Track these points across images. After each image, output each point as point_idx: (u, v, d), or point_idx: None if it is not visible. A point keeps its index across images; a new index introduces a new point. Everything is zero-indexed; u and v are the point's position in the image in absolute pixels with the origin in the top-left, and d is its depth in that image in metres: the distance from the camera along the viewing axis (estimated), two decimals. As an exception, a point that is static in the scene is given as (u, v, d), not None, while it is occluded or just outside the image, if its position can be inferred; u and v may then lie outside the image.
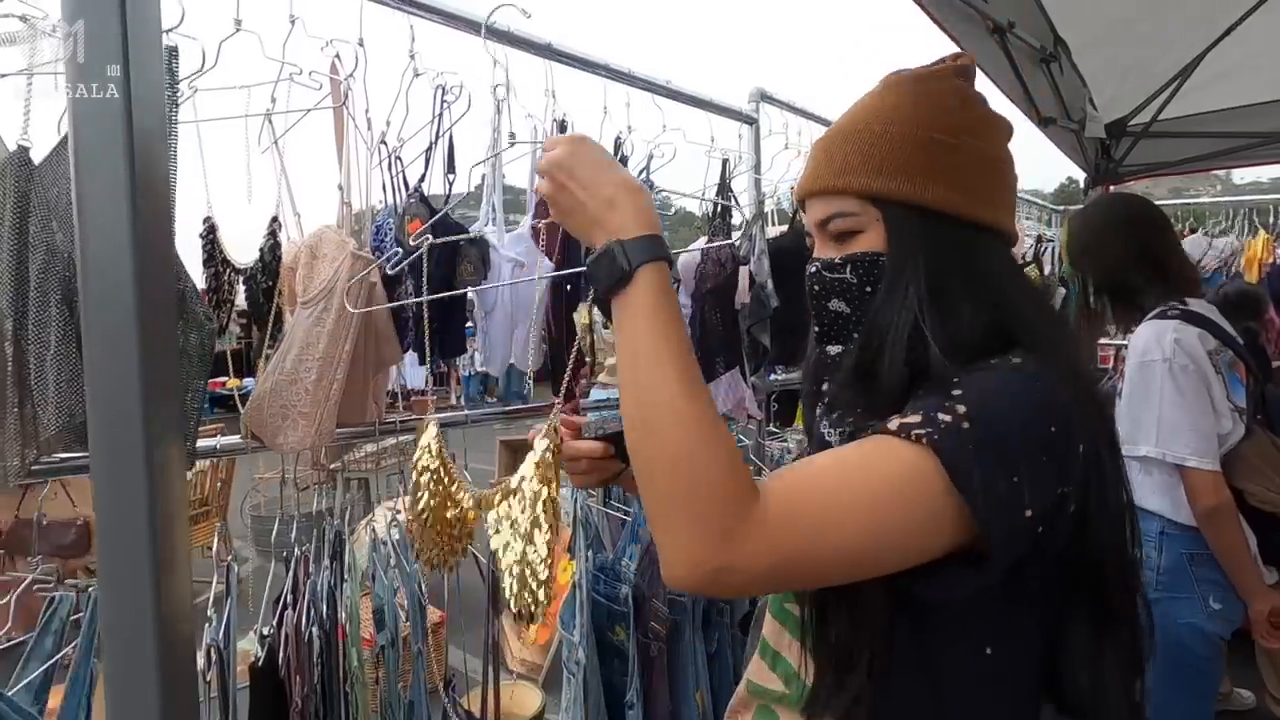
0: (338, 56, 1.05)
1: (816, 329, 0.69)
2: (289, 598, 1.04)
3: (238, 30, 1.01)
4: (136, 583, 0.57)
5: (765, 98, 1.96)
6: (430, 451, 0.90)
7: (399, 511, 2.58)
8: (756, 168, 1.88)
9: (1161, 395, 1.33)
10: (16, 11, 0.86)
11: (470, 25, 1.27)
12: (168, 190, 0.63)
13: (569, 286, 1.36)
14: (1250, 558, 1.33)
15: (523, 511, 0.72)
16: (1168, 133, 2.80)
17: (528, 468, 0.73)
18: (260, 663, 1.02)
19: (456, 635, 1.71)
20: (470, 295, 1.19)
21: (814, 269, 0.66)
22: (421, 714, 1.17)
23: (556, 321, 1.38)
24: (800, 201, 0.69)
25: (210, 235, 1.07)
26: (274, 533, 1.35)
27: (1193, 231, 3.68)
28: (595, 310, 1.82)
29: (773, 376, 1.98)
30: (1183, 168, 3.20)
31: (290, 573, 1.07)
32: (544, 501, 0.71)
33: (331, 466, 4.77)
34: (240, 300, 1.10)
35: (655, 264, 0.56)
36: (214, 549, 4.46)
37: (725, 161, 1.67)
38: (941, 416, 0.52)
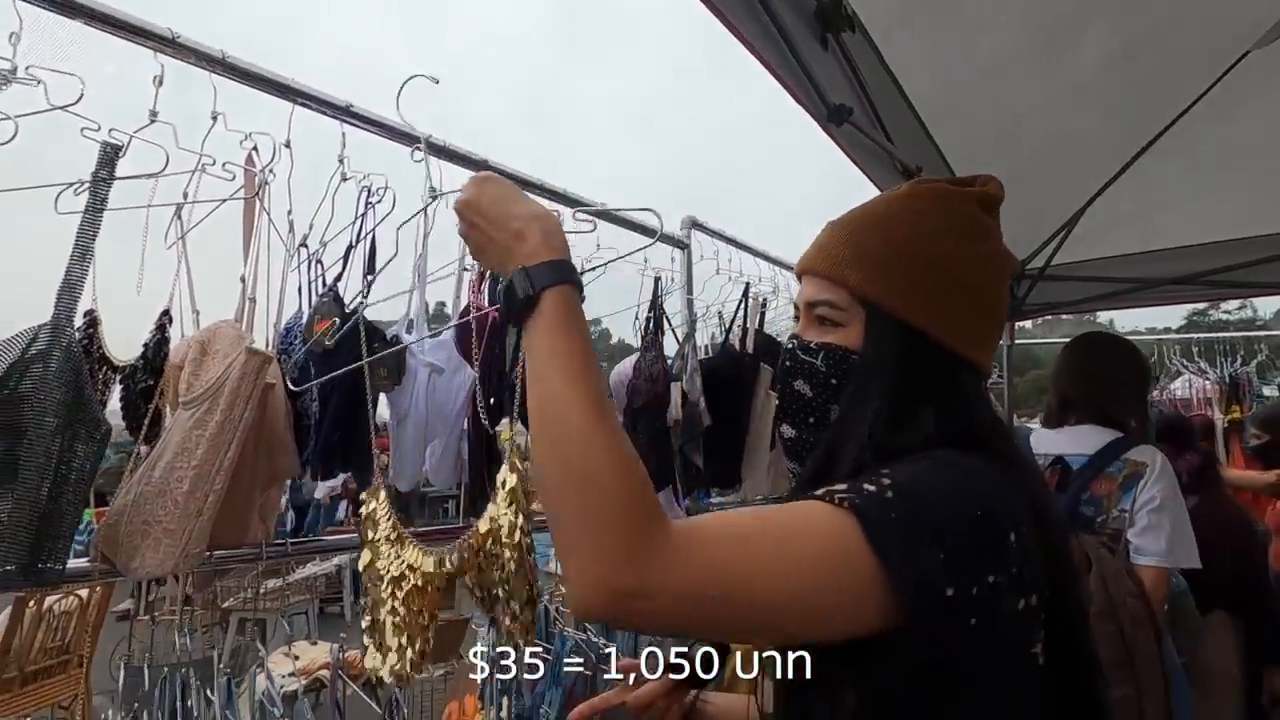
0: (255, 149, 1.02)
1: (778, 403, 0.70)
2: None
3: (153, 121, 0.98)
4: None
5: (696, 225, 2.05)
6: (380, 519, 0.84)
7: (296, 658, 2.27)
8: (689, 289, 1.92)
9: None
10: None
11: (407, 138, 1.28)
12: None
13: (492, 400, 1.29)
14: None
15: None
16: (1060, 276, 3.07)
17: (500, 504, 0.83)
18: None
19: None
20: (381, 403, 1.10)
21: (790, 345, 0.67)
22: None
23: (477, 435, 1.29)
24: (798, 274, 0.70)
25: (89, 329, 0.97)
26: (143, 684, 1.15)
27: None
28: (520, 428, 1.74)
29: (707, 499, 1.91)
30: (1075, 309, 3.49)
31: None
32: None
33: (225, 605, 4.26)
34: (114, 402, 0.98)
35: (559, 287, 0.55)
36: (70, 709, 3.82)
37: (657, 280, 1.70)
38: (867, 486, 0.53)
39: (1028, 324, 4.10)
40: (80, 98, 0.84)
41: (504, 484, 0.84)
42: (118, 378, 0.99)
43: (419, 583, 0.88)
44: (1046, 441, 1.72)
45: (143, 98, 0.99)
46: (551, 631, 1.46)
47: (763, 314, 2.09)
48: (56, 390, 0.83)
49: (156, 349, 0.98)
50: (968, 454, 0.57)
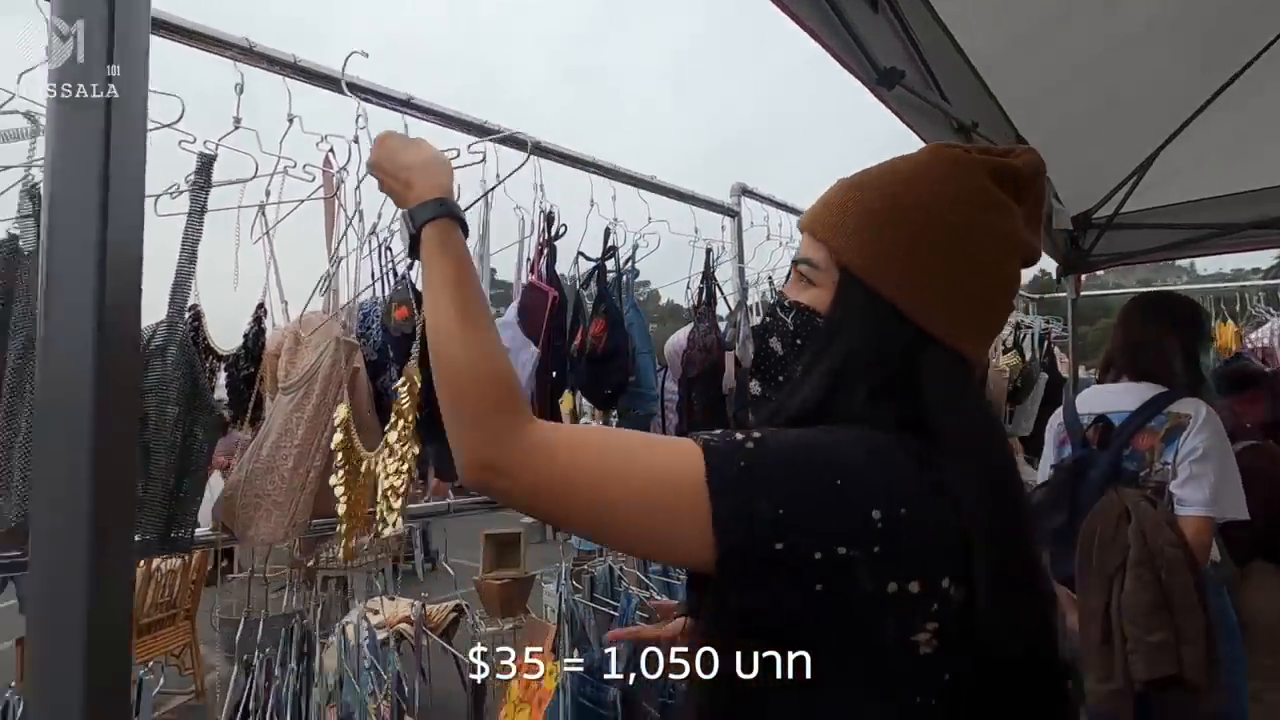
0: (332, 150, 1.09)
1: (753, 358, 0.72)
2: (250, 704, 0.96)
3: (237, 128, 1.05)
4: (68, 688, 0.51)
5: (746, 192, 2.05)
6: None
7: (376, 613, 2.45)
8: (739, 257, 1.94)
9: None
10: (21, 109, 0.89)
11: (464, 125, 1.34)
12: (138, 278, 0.60)
13: (554, 374, 1.35)
14: None
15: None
16: (1130, 225, 2.94)
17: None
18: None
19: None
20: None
21: (771, 301, 0.71)
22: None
23: (540, 408, 1.37)
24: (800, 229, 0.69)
25: (195, 323, 1.07)
26: (237, 635, 1.27)
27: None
28: (582, 400, 1.81)
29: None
30: (1147, 258, 3.33)
31: (251, 678, 1.00)
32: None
33: (309, 564, 4.57)
34: (220, 388, 1.09)
35: (436, 221, 0.65)
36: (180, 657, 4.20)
37: (709, 251, 1.72)
38: (737, 434, 0.55)
39: (1100, 272, 3.92)
40: (181, 116, 0.91)
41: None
42: (222, 366, 1.09)
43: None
44: (1091, 401, 1.74)
45: (202, 102, 1.07)
46: (617, 590, 1.56)
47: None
48: (175, 381, 0.93)
49: (255, 339, 1.08)
50: (889, 435, 0.56)
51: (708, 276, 1.68)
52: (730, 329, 1.79)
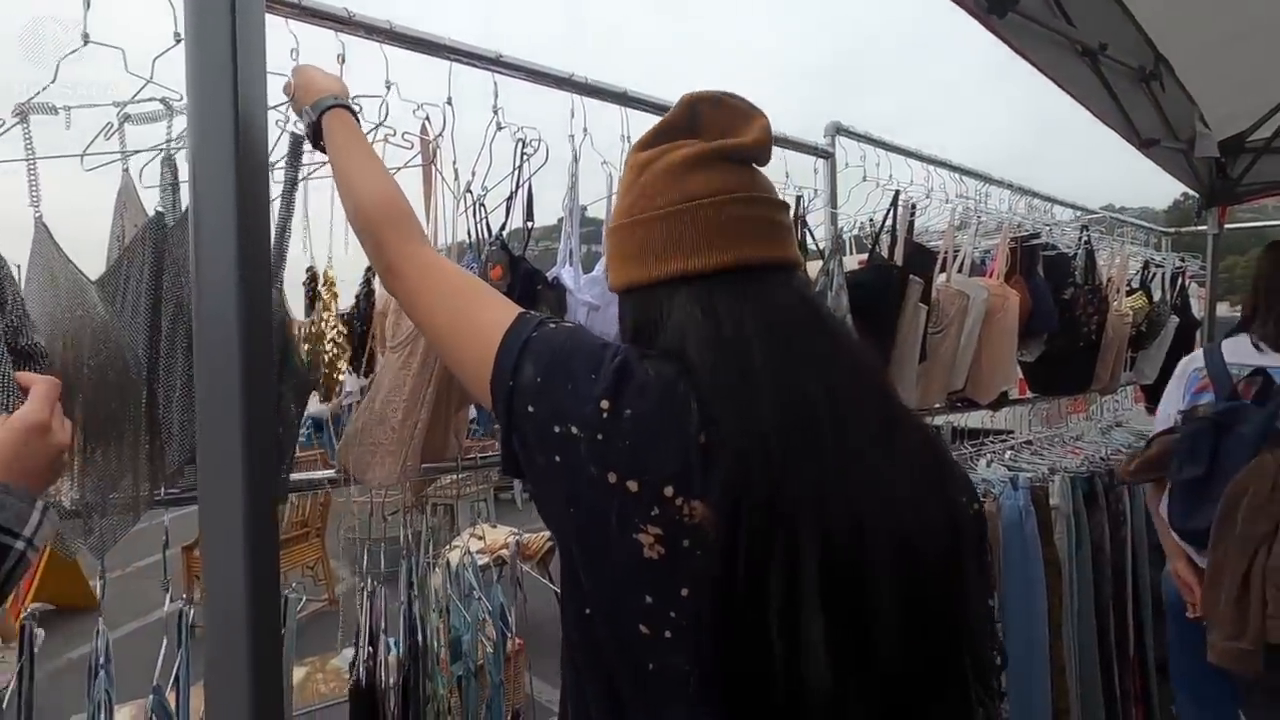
0: (428, 119, 1.13)
1: None
2: (381, 624, 1.09)
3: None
4: (233, 595, 0.61)
5: (841, 131, 1.95)
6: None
7: (480, 539, 2.64)
8: (832, 201, 1.86)
9: None
10: (158, 95, 0.98)
11: (552, 80, 1.34)
12: (267, 248, 0.70)
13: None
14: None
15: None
16: (1294, 148, 2.57)
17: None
18: (358, 685, 1.08)
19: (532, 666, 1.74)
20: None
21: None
22: (498, 746, 1.20)
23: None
24: None
25: (312, 284, 1.17)
26: (364, 558, 1.42)
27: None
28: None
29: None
30: (1314, 185, 2.92)
31: (371, 599, 1.12)
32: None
33: (425, 490, 4.99)
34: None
35: (334, 109, 0.87)
36: (314, 568, 4.71)
37: (799, 198, 1.67)
38: (549, 319, 0.69)
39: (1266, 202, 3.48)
40: (286, 102, 0.97)
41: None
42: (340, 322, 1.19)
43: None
44: (1243, 352, 1.62)
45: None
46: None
47: (912, 221, 1.99)
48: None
49: (366, 299, 1.16)
50: (649, 355, 0.62)
51: (799, 222, 1.63)
52: (822, 277, 1.74)
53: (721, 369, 0.59)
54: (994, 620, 0.73)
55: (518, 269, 1.15)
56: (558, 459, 0.60)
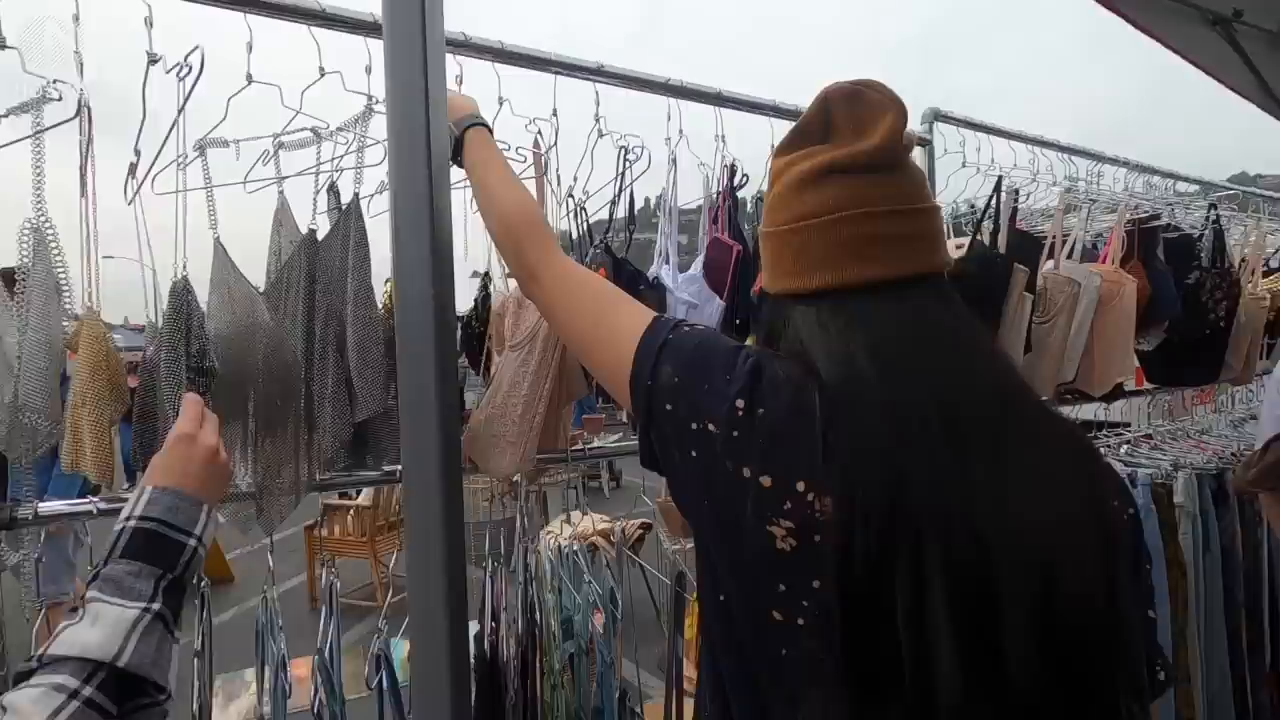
0: (539, 133, 1.21)
1: None
2: (500, 602, 1.19)
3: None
4: (433, 572, 0.70)
5: (940, 117, 1.90)
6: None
7: (575, 524, 2.78)
8: (932, 190, 1.82)
9: None
10: (307, 125, 1.10)
11: (650, 85, 1.39)
12: (451, 252, 0.86)
13: (737, 321, 1.41)
14: None
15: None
16: None
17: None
18: (483, 657, 1.18)
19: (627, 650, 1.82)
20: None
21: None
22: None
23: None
24: None
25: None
26: (486, 541, 1.52)
27: None
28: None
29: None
30: None
31: (491, 578, 1.22)
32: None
33: (531, 486, 5.22)
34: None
35: (473, 127, 0.95)
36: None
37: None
38: (683, 321, 0.73)
39: None
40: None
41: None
42: (459, 325, 1.29)
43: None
44: None
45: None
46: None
47: (1015, 208, 1.91)
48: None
49: (484, 302, 1.25)
50: (781, 359, 0.66)
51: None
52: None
53: (837, 380, 0.61)
54: (1153, 632, 0.69)
55: (622, 271, 1.21)
56: (694, 454, 0.64)
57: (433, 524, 0.65)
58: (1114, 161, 2.30)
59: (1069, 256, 2.05)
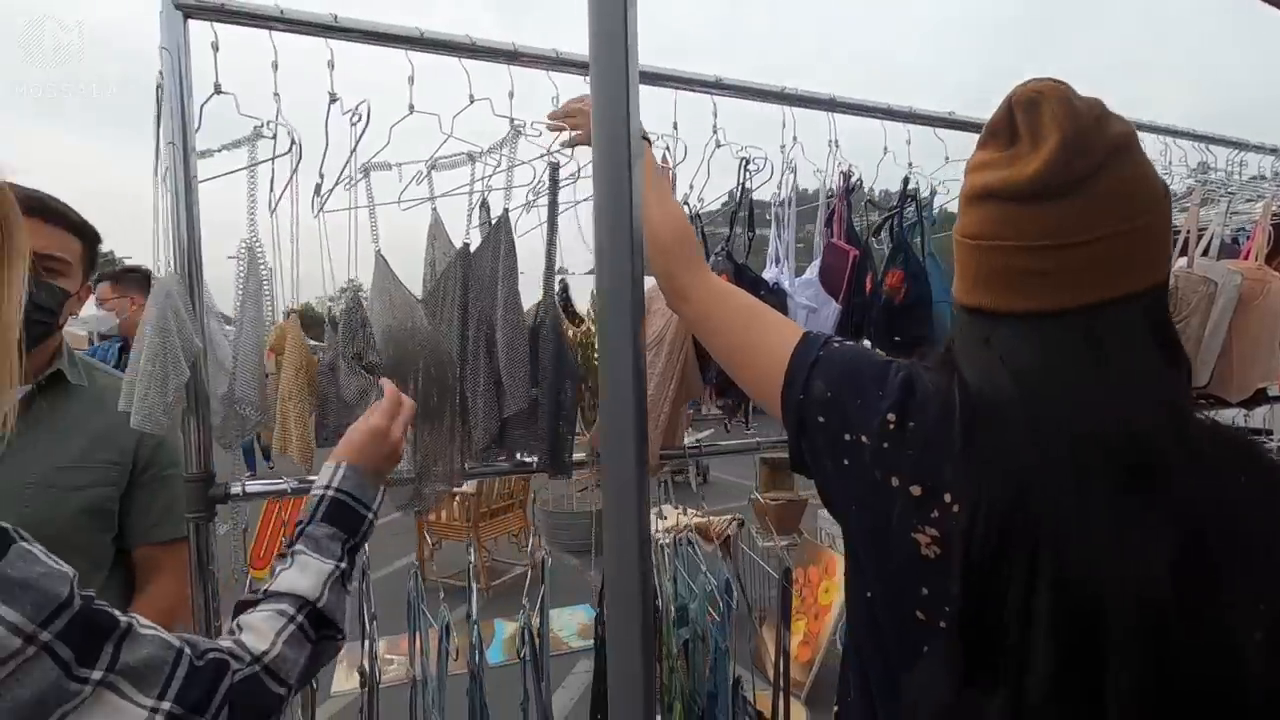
0: (668, 148, 1.28)
1: None
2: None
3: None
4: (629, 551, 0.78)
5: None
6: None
7: (664, 517, 2.85)
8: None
9: None
10: (458, 148, 1.21)
11: (763, 95, 1.44)
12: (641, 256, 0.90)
13: (853, 325, 1.44)
14: None
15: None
16: None
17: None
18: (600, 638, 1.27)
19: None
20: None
21: None
22: (724, 704, 1.34)
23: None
24: None
25: (564, 293, 1.37)
26: (568, 529, 1.61)
27: None
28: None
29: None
30: None
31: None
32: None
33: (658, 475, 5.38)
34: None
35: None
36: (518, 538, 5.23)
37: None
38: (834, 337, 0.77)
39: None
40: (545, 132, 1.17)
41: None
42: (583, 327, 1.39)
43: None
44: None
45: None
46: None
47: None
48: (550, 347, 1.21)
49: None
50: (930, 371, 0.69)
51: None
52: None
53: (980, 395, 0.63)
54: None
55: (744, 276, 1.26)
56: (846, 463, 0.68)
57: (627, 509, 0.72)
58: (1258, 149, 2.14)
59: (1204, 254, 1.93)
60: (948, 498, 0.62)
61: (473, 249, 1.18)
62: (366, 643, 1.22)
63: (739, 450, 1.47)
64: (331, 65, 1.11)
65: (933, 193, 1.51)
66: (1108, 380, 0.61)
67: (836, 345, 0.75)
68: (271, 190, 1.10)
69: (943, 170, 1.60)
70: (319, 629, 0.74)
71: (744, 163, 1.34)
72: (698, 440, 1.55)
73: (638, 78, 0.82)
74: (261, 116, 1.04)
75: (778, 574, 1.53)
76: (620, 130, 0.75)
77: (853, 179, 1.46)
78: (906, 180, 1.48)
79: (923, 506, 0.62)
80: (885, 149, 1.58)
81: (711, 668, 1.42)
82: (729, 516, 4.32)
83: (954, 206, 1.77)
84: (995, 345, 0.64)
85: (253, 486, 1.07)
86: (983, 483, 0.60)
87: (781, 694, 1.50)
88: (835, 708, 0.79)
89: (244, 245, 1.02)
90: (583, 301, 1.44)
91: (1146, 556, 0.55)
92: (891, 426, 0.65)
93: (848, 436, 0.68)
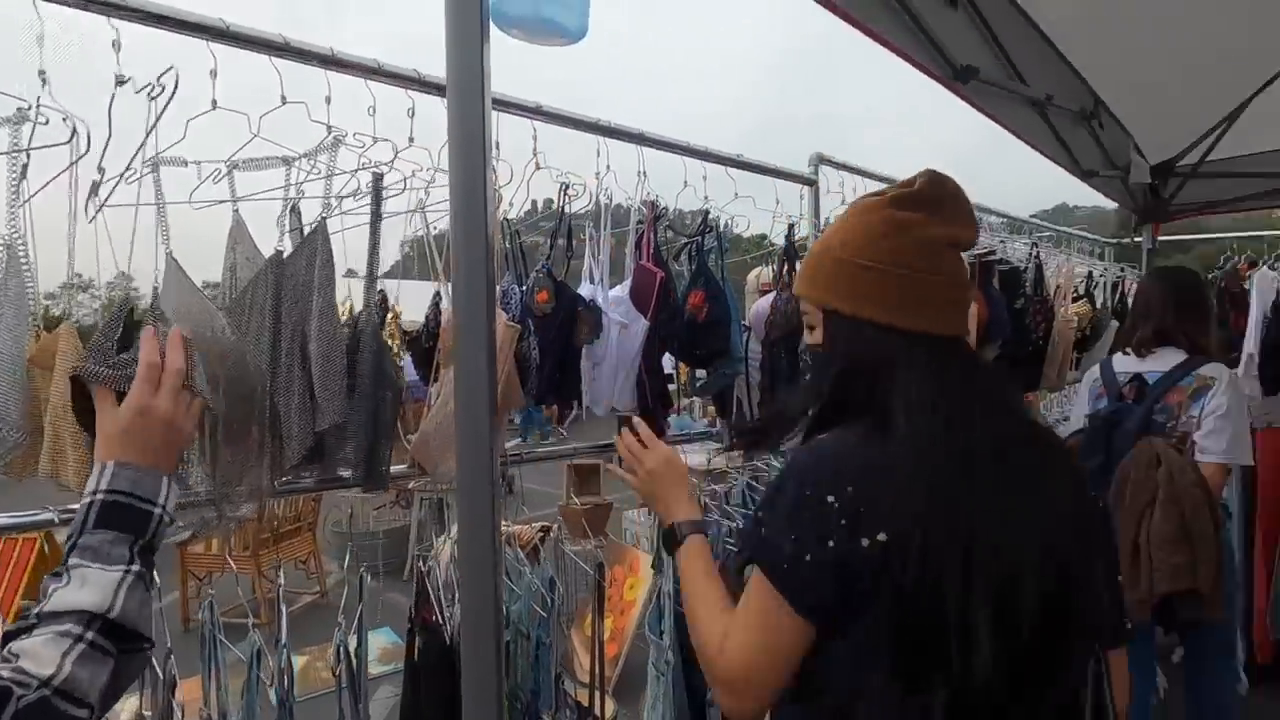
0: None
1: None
2: (458, 594, 1.29)
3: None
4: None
5: (823, 160, 2.19)
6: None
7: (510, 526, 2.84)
8: (816, 225, 2.10)
9: None
10: (263, 150, 1.15)
11: (578, 124, 1.55)
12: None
13: (659, 340, 1.59)
14: None
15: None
16: (1217, 173, 2.90)
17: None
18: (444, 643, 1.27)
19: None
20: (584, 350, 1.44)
21: (802, 348, 0.93)
22: (548, 698, 1.40)
23: (646, 367, 1.62)
24: None
25: (383, 307, 1.35)
26: (366, 549, 1.60)
27: (1251, 265, 3.64)
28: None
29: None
30: (1235, 207, 3.26)
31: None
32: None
33: (410, 486, 5.10)
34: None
35: (695, 534, 0.97)
36: (307, 562, 4.78)
37: (791, 226, 1.90)
38: (748, 528, 0.86)
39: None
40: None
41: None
42: (406, 340, 1.37)
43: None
44: (1128, 363, 2.03)
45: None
46: (707, 519, 1.83)
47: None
48: (370, 358, 1.20)
49: (435, 318, 1.35)
50: (851, 429, 0.78)
51: (789, 253, 1.86)
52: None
53: (910, 426, 0.75)
54: (1116, 590, 0.86)
55: (564, 294, 1.35)
56: (862, 587, 0.74)
57: (481, 524, 0.76)
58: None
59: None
60: (889, 534, 0.72)
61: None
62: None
63: (551, 457, 1.55)
64: (117, 46, 1.00)
65: (725, 224, 1.72)
66: (996, 394, 0.85)
67: (757, 518, 0.82)
68: (24, 179, 0.96)
69: (733, 205, 1.83)
70: (119, 641, 0.66)
71: (564, 188, 1.43)
72: (505, 451, 1.61)
73: (490, 103, 0.88)
74: (27, 98, 0.91)
75: (592, 571, 1.64)
76: (475, 147, 0.81)
77: (659, 207, 1.62)
78: (705, 213, 1.68)
79: (889, 548, 0.72)
80: (685, 182, 1.77)
81: (533, 664, 1.48)
82: (537, 525, 4.37)
83: (746, 235, 2.01)
84: (939, 367, 0.79)
85: None
86: (919, 505, 0.72)
87: (599, 676, 1.60)
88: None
89: (2, 243, 0.88)
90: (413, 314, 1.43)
91: (1049, 524, 0.76)
92: (834, 505, 0.74)
93: (832, 543, 0.73)
